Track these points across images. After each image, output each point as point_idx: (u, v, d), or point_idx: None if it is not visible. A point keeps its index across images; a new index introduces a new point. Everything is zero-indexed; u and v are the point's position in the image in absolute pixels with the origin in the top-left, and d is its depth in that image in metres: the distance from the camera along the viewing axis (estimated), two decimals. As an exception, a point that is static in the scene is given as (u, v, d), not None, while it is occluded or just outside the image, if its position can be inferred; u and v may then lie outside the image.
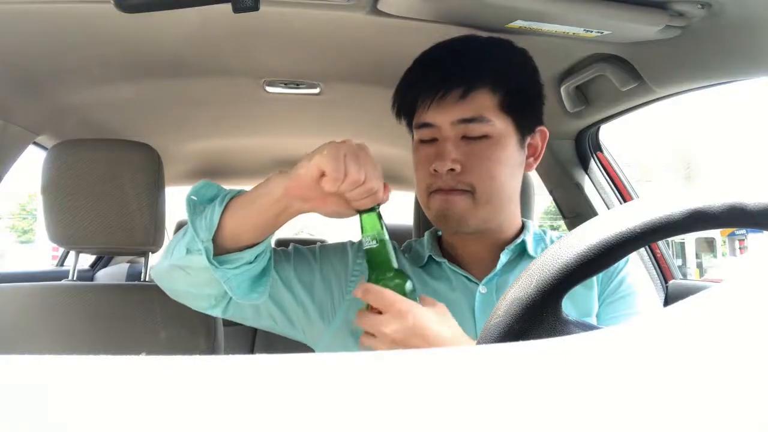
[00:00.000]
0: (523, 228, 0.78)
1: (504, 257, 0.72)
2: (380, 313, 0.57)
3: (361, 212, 0.60)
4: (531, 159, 0.76)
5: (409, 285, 0.60)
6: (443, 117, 0.70)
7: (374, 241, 0.60)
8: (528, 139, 0.75)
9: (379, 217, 0.60)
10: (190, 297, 0.70)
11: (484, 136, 0.69)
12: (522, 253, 0.74)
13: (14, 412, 0.16)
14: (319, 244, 0.79)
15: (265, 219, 0.63)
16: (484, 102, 0.69)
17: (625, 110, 1.13)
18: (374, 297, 0.58)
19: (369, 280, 0.61)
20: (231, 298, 0.68)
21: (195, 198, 0.66)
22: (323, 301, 0.72)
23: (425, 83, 0.71)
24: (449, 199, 0.69)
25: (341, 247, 0.78)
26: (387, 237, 0.60)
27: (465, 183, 0.69)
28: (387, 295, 0.57)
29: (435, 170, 0.69)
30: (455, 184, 0.69)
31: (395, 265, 0.61)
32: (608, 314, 0.70)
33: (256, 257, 0.65)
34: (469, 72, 0.70)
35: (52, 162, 1.00)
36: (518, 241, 0.74)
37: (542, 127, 0.77)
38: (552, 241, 0.77)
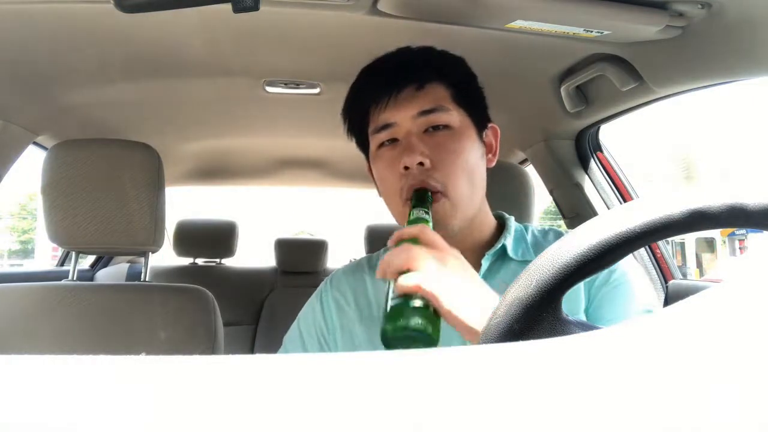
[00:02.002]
0: (501, 227, 0.77)
1: (486, 263, 0.71)
2: None
3: (413, 207, 0.61)
4: (489, 155, 0.76)
5: None
6: (403, 113, 0.69)
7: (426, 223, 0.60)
8: (483, 135, 0.75)
9: (428, 209, 0.61)
10: None
11: (446, 127, 0.69)
12: (503, 254, 0.73)
13: (14, 412, 0.16)
14: (296, 319, 0.80)
15: None
16: (439, 93, 0.70)
17: (625, 110, 1.13)
18: (431, 236, 0.54)
19: None
20: None
21: None
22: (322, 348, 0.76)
23: (377, 86, 0.71)
24: None
25: (310, 307, 0.79)
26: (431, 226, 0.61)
27: (436, 180, 0.67)
28: (441, 238, 0.56)
29: (405, 167, 0.67)
30: (426, 178, 0.67)
31: None
32: (604, 305, 0.68)
33: None
34: (420, 67, 0.71)
35: (52, 162, 1.00)
36: (498, 246, 0.72)
37: (493, 125, 0.77)
38: (534, 237, 0.76)
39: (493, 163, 0.76)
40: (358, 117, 0.75)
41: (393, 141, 0.71)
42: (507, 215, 0.79)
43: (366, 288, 0.76)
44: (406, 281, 0.49)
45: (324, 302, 0.77)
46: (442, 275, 0.50)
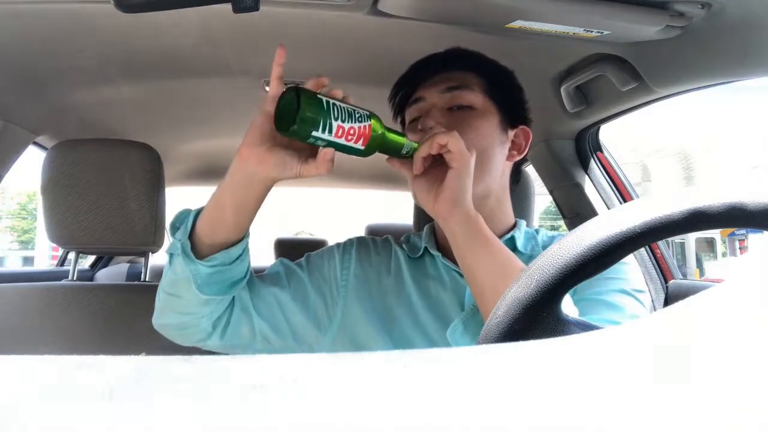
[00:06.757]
0: (514, 226, 0.79)
1: None
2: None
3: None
4: (514, 151, 0.78)
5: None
6: (432, 89, 0.76)
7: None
8: (510, 131, 0.78)
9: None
10: (186, 331, 0.70)
11: (469, 107, 0.74)
12: (512, 249, 0.74)
13: (14, 413, 0.16)
14: (306, 255, 0.79)
15: (232, 202, 0.63)
16: (470, 79, 0.76)
17: (625, 110, 1.13)
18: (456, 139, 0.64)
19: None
20: (227, 324, 0.68)
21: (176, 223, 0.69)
22: (318, 312, 0.73)
23: (419, 71, 0.79)
24: None
25: (328, 253, 0.79)
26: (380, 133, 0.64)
27: None
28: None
29: (420, 129, 0.71)
30: None
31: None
32: (591, 289, 0.66)
33: (233, 260, 0.65)
34: (459, 59, 0.78)
35: (52, 162, 1.00)
36: (507, 236, 0.75)
37: (525, 127, 0.80)
38: (543, 240, 0.78)
39: (515, 159, 0.79)
40: (399, 100, 0.82)
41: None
42: (520, 220, 0.81)
43: (390, 251, 0.79)
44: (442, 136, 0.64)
45: (346, 244, 0.80)
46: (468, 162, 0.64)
